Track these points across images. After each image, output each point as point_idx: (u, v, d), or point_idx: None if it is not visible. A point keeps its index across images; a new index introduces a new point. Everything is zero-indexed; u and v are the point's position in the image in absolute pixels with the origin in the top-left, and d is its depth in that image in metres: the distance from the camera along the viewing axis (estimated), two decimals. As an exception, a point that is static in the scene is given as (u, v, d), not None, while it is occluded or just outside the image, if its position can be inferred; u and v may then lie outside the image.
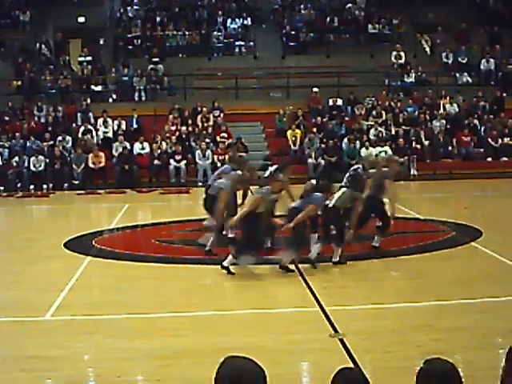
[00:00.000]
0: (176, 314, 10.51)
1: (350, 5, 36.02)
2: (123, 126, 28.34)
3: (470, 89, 31.75)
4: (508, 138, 28.26)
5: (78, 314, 10.54)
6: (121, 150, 26.64)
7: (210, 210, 14.49)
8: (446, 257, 13.70)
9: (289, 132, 28.02)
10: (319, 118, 28.80)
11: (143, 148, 26.95)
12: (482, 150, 27.76)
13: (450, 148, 27.61)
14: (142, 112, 28.78)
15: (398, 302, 11.05)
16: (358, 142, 27.03)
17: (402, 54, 32.67)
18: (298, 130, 27.97)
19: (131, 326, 10.12)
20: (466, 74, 32.56)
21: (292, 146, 27.49)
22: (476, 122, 29.28)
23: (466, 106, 30.60)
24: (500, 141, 28.08)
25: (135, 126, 28.60)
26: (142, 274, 13.39)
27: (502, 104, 30.59)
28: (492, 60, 32.52)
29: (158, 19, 34.44)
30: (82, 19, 34.82)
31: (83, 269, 13.59)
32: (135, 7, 35.46)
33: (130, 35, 33.44)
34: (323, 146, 27.23)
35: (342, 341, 9.03)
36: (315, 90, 30.08)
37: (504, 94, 31.03)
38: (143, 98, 30.68)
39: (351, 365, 8.02)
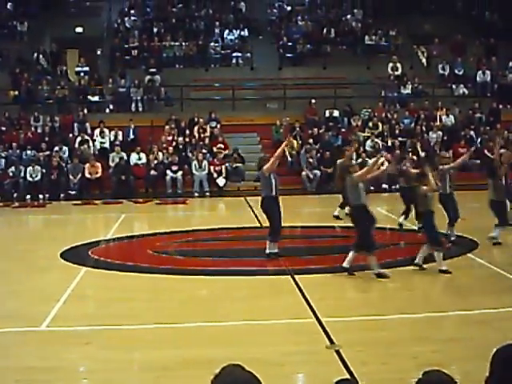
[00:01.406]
0: (171, 325, 10.48)
1: (346, 16, 36.14)
2: (120, 137, 28.36)
3: (466, 100, 31.86)
4: (504, 150, 28.23)
5: (73, 325, 10.51)
6: (117, 160, 26.65)
7: None
8: (435, 270, 13.65)
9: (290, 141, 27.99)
10: (316, 129, 28.81)
11: (140, 158, 26.96)
12: (478, 161, 27.76)
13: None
14: (138, 123, 28.78)
15: (394, 313, 11.01)
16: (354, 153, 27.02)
17: (399, 65, 32.77)
18: (294, 141, 27.97)
19: (126, 337, 10.08)
20: (462, 85, 32.67)
21: (288, 157, 27.47)
22: (472, 133, 29.33)
23: (462, 117, 30.71)
24: (496, 152, 28.03)
25: (132, 136, 28.61)
26: (138, 284, 13.37)
27: (498, 115, 30.65)
28: (488, 72, 32.65)
29: (155, 30, 34.51)
30: (79, 29, 34.87)
31: (79, 279, 13.56)
32: (133, 18, 35.51)
33: (127, 46, 33.48)
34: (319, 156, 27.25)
35: (338, 352, 9.00)
36: (313, 101, 30.12)
37: (500, 106, 31.11)
38: (140, 109, 30.71)
39: (347, 376, 8.00)
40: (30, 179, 25.91)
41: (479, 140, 29.10)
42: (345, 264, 13.23)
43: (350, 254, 13.24)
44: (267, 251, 14.81)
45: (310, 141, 27.87)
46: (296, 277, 13.17)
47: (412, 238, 16.99)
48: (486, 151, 27.38)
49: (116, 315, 11.08)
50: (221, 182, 26.47)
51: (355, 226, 13.69)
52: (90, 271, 14.29)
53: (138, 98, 30.67)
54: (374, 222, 13.81)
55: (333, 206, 20.58)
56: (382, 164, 16.44)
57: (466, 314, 10.82)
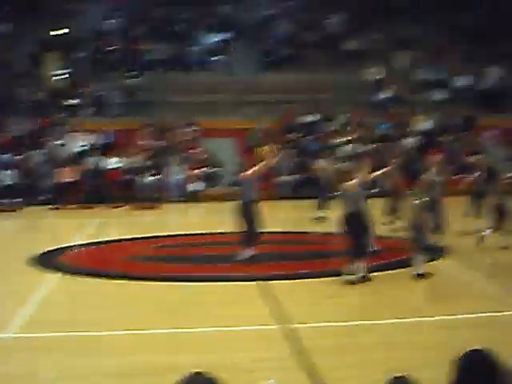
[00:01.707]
0: (140, 331, 10.44)
1: (327, 21, 36.20)
2: (97, 140, 28.21)
3: (443, 106, 31.96)
4: (480, 155, 28.36)
5: (41, 331, 10.44)
6: (94, 164, 26.50)
7: None
8: (411, 273, 13.69)
9: (263, 147, 27.97)
10: (294, 134, 28.83)
11: (116, 162, 26.82)
12: (453, 166, 27.87)
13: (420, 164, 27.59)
14: (117, 126, 28.70)
15: (362, 319, 11.05)
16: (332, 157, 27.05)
17: (377, 70, 32.84)
18: (272, 146, 27.93)
19: (95, 344, 10.02)
20: (439, 91, 32.78)
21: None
22: (448, 139, 29.44)
23: (439, 122, 30.81)
24: (473, 157, 28.18)
25: (109, 140, 28.47)
26: (110, 290, 13.32)
27: (475, 121, 30.80)
28: (466, 77, 32.79)
29: (136, 33, 34.38)
30: (59, 32, 34.66)
31: (50, 285, 13.50)
32: (113, 21, 35.37)
33: (107, 48, 33.34)
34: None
35: (307, 358, 8.99)
36: (291, 105, 30.14)
37: (477, 111, 31.25)
38: (119, 113, 30.56)
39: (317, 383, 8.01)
40: (5, 183, 25.67)
41: (456, 145, 29.18)
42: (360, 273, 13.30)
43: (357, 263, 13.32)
44: (243, 256, 14.82)
45: (288, 145, 27.85)
46: (266, 283, 13.16)
47: (382, 244, 17.01)
48: (461, 157, 27.52)
49: (85, 321, 11.01)
50: (197, 186, 26.39)
51: (348, 233, 13.67)
52: (61, 277, 14.23)
53: (117, 101, 30.55)
54: (367, 229, 13.79)
55: (309, 211, 20.62)
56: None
57: (435, 320, 10.87)
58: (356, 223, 13.27)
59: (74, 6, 35.98)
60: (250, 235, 14.99)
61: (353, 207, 13.27)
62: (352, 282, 13.02)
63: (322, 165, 21.74)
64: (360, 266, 13.17)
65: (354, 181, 13.56)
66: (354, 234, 13.34)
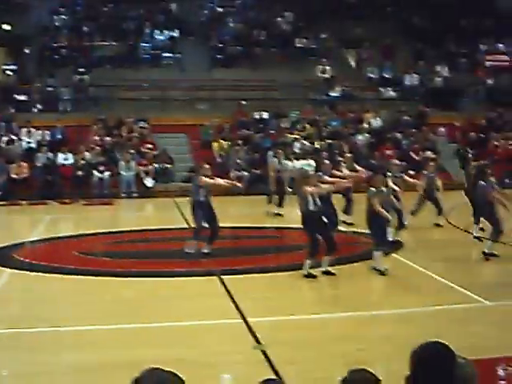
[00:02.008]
0: (98, 326, 10.37)
1: (277, 19, 36.28)
2: (47, 137, 27.91)
3: (393, 103, 32.31)
4: (430, 152, 28.74)
5: (-4, 328, 10.31)
6: (44, 160, 26.20)
7: None
8: (368, 268, 13.83)
9: (215, 144, 28.03)
10: (245, 131, 28.86)
11: (67, 159, 26.53)
12: (404, 163, 28.12)
13: (372, 161, 27.82)
14: (66, 122, 28.35)
15: (320, 312, 11.12)
16: (283, 154, 27.10)
17: (328, 68, 33.03)
18: (223, 143, 28.00)
19: (52, 340, 9.93)
20: (390, 88, 33.12)
21: (218, 159, 27.44)
22: (399, 135, 29.76)
23: (389, 120, 31.11)
24: (422, 154, 28.53)
25: (59, 136, 28.15)
26: (63, 286, 13.21)
27: (424, 118, 31.17)
28: (416, 75, 33.20)
29: (84, 29, 34.02)
30: (7, 27, 34.17)
31: (2, 282, 13.32)
32: (62, 16, 34.95)
33: (56, 45, 32.92)
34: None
35: (264, 352, 9.02)
36: (243, 102, 30.17)
37: (426, 109, 31.63)
38: (68, 109, 30.25)
39: (274, 376, 8.02)
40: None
41: (406, 142, 29.49)
42: (323, 267, 13.39)
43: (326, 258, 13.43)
44: (205, 250, 15.08)
45: (240, 142, 27.88)
46: (223, 277, 13.17)
47: (338, 238, 17.12)
48: (411, 153, 27.82)
49: (40, 318, 10.90)
50: (149, 182, 26.27)
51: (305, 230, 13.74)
52: (14, 273, 14.04)
53: (67, 97, 30.24)
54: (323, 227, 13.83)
55: (261, 207, 20.69)
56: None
57: (391, 313, 11.00)
58: (311, 222, 13.33)
59: (20, 0, 35.51)
60: (198, 231, 15.15)
61: (309, 206, 13.31)
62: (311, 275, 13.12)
63: (273, 162, 21.78)
64: (308, 263, 13.21)
65: (313, 182, 13.62)
66: (309, 231, 13.43)
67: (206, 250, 15.32)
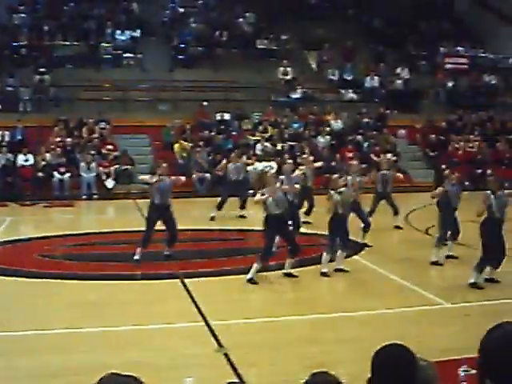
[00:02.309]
0: (57, 330, 10.30)
1: (238, 20, 36.31)
2: (7, 137, 27.62)
3: (354, 105, 32.51)
4: (390, 154, 28.96)
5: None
6: (4, 161, 25.92)
7: None
8: (329, 270, 13.89)
9: (176, 145, 27.96)
10: (207, 132, 28.83)
11: (27, 160, 26.31)
12: (364, 165, 28.30)
13: (333, 163, 27.91)
14: (26, 123, 28.06)
15: (282, 315, 11.15)
16: (244, 156, 27.13)
17: (289, 69, 33.14)
18: (185, 144, 27.95)
19: (10, 345, 9.84)
20: (350, 90, 33.32)
21: (179, 160, 27.38)
22: (360, 137, 29.94)
23: (350, 122, 31.31)
24: (382, 156, 28.72)
25: (19, 137, 27.89)
26: (24, 289, 13.07)
27: (385, 120, 31.41)
28: (376, 78, 33.44)
29: (45, 28, 33.70)
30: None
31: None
32: (22, 15, 34.58)
33: (16, 44, 32.59)
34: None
35: (226, 355, 9.04)
36: (204, 103, 30.14)
37: (387, 111, 31.89)
38: (28, 109, 29.97)
39: (236, 379, 8.05)
40: None
41: (366, 144, 29.69)
42: (285, 270, 13.35)
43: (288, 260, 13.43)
44: (166, 253, 15.10)
45: (201, 143, 27.85)
46: (185, 280, 13.16)
47: (300, 240, 17.19)
48: (372, 155, 27.99)
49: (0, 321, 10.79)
50: (109, 183, 26.13)
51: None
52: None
53: (27, 97, 29.96)
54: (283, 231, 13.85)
55: (224, 209, 20.66)
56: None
57: (352, 316, 11.06)
58: (273, 224, 13.36)
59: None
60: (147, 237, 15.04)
61: (271, 208, 13.33)
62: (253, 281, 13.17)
63: (230, 164, 21.70)
64: (255, 268, 13.18)
65: (271, 182, 13.65)
66: (268, 234, 13.48)
67: (167, 253, 15.31)
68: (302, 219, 18.12)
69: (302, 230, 17.33)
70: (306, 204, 19.00)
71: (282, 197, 13.63)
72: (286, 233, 13.65)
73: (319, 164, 20.41)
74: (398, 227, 18.98)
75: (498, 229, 12.64)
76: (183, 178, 16.36)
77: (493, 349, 3.08)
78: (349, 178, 15.92)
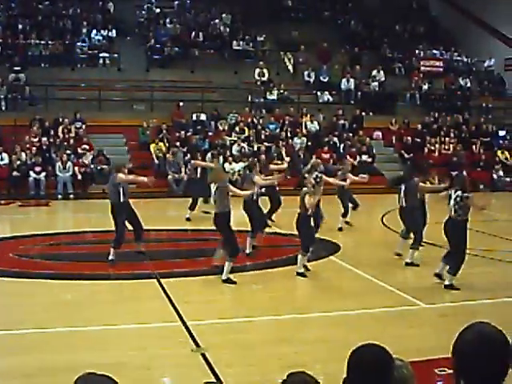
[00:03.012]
0: (34, 330, 10.25)
1: (215, 21, 36.33)
2: (-19, 136, 27.46)
3: (330, 107, 32.66)
4: (366, 156, 29.14)
5: None
6: (-21, 160, 25.79)
7: None
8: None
9: (152, 145, 27.92)
10: (183, 132, 28.80)
11: (2, 159, 26.11)
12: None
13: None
14: (1, 122, 27.86)
15: (258, 315, 11.17)
16: (221, 157, 27.15)
17: (266, 71, 33.21)
18: (161, 144, 27.92)
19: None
20: (326, 92, 33.47)
21: (155, 160, 27.36)
22: (336, 139, 30.06)
23: (326, 123, 31.44)
24: (358, 158, 28.92)
25: (-6, 136, 27.72)
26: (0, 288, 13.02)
27: (360, 122, 31.56)
28: (352, 80, 33.60)
29: (20, 27, 33.51)
30: None
31: None
32: (-5, 14, 34.41)
33: (-11, 42, 32.39)
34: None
35: (203, 355, 9.06)
36: (180, 104, 30.12)
37: (363, 113, 32.05)
38: (3, 108, 29.78)
39: (213, 379, 8.08)
40: None
41: (342, 146, 29.82)
42: (223, 276, 13.34)
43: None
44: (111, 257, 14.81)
45: (177, 143, 27.83)
46: (161, 280, 13.16)
47: (276, 240, 17.27)
48: (348, 157, 28.09)
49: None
50: (86, 183, 26.00)
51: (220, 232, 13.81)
52: None
53: (2, 96, 29.75)
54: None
55: (199, 209, 20.67)
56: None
57: (328, 316, 11.12)
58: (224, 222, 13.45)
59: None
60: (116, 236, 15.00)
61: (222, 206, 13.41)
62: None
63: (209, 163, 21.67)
64: (228, 268, 13.25)
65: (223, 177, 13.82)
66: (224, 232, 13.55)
67: (141, 249, 15.32)
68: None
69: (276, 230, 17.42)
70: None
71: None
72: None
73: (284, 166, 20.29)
74: (347, 223, 19.16)
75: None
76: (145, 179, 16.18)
77: (466, 351, 3.14)
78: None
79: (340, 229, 18.66)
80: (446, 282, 12.77)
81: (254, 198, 15.45)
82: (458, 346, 3.18)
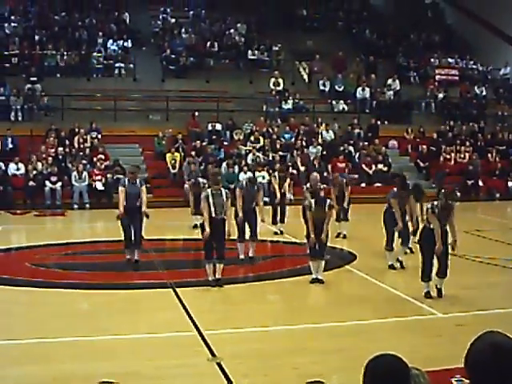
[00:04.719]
0: (48, 339, 10.22)
1: (230, 30, 36.43)
2: (-2, 146, 27.61)
3: (345, 116, 32.64)
4: (381, 165, 29.08)
5: None
6: (-4, 170, 25.91)
7: None
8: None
9: (168, 155, 27.98)
10: (198, 142, 28.86)
11: (18, 169, 26.27)
12: (356, 176, 28.40)
13: (325, 174, 27.93)
14: (17, 132, 28.06)
15: (274, 325, 11.14)
16: (236, 166, 27.20)
17: (281, 80, 33.25)
18: (177, 154, 27.97)
19: (1, 353, 9.81)
20: (342, 101, 33.45)
21: (171, 170, 27.42)
22: (351, 148, 30.03)
23: (341, 132, 31.41)
24: (374, 167, 28.88)
25: (10, 146, 27.86)
26: (15, 298, 13.04)
27: (376, 131, 31.51)
28: (367, 88, 33.57)
29: (36, 38, 33.72)
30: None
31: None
32: (13, 24, 34.57)
33: (6, 53, 32.56)
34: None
35: (219, 365, 9.03)
36: (195, 113, 30.17)
37: (378, 122, 32.00)
38: (19, 118, 29.93)
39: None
40: None
41: (357, 155, 29.79)
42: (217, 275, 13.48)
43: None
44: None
45: (193, 153, 27.88)
46: (177, 290, 13.16)
47: (292, 250, 17.25)
48: (363, 166, 28.08)
49: (-9, 330, 10.77)
50: (101, 193, 26.06)
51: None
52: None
53: (18, 106, 29.89)
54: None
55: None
56: None
57: (343, 325, 11.07)
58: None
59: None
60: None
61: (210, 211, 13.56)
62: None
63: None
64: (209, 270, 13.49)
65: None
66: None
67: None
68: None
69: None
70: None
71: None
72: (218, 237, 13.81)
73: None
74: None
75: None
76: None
77: (478, 361, 3.12)
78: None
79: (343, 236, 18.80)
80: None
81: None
82: (470, 355, 3.16)
